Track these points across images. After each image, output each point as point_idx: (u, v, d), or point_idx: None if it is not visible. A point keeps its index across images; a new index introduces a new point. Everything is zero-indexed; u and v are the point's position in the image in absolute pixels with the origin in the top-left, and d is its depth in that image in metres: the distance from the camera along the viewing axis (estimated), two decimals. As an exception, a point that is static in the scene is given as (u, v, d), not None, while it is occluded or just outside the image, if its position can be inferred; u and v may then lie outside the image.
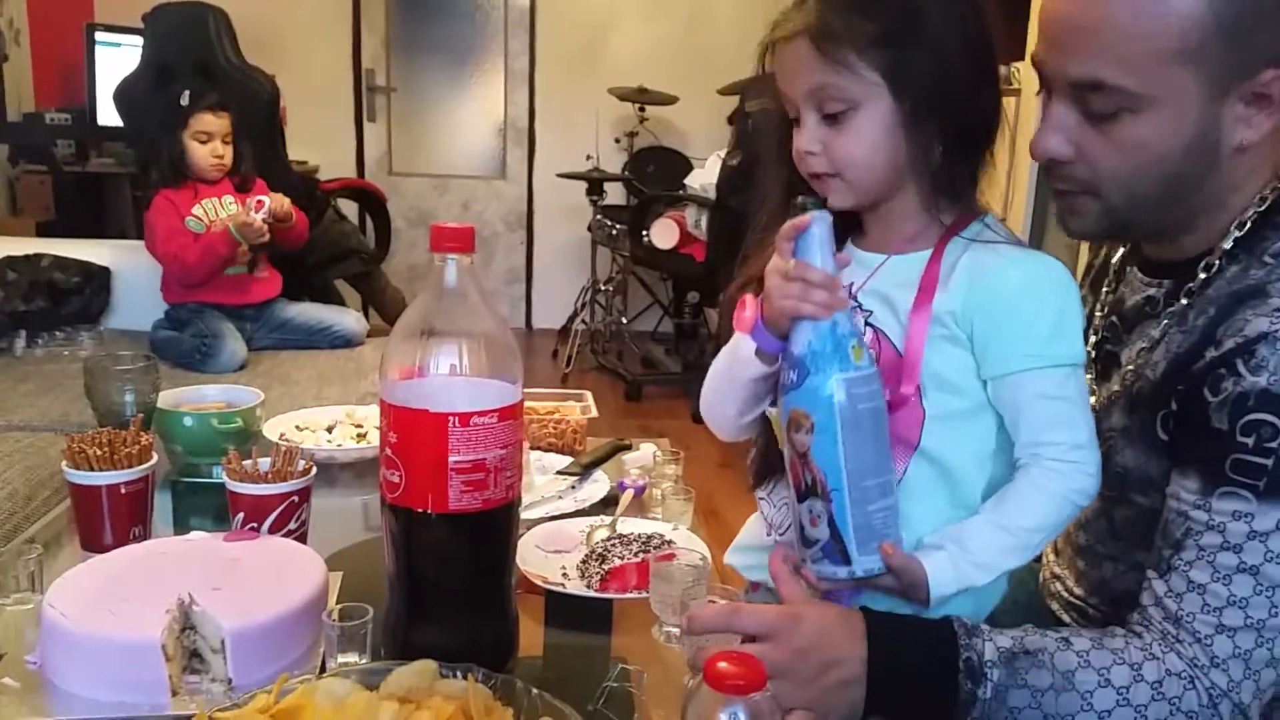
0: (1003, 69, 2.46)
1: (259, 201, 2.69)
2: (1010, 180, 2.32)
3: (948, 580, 0.88)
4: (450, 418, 0.82)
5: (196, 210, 2.71)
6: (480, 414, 0.83)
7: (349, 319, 2.99)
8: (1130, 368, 0.98)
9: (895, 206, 0.97)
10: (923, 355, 0.92)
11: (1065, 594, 1.13)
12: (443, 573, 0.88)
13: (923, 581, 0.87)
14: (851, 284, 0.97)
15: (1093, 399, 1.01)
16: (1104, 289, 1.10)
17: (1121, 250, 1.10)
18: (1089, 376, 1.04)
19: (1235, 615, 0.82)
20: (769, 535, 1.03)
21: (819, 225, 0.87)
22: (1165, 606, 0.86)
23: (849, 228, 1.01)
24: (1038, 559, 1.21)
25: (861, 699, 0.84)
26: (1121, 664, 0.85)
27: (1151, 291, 1.00)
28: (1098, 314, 1.09)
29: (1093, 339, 1.06)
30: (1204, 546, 0.84)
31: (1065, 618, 1.13)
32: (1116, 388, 0.99)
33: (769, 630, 0.84)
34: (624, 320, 4.87)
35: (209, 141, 2.70)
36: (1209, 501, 0.84)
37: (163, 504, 1.30)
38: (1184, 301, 0.94)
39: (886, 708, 0.85)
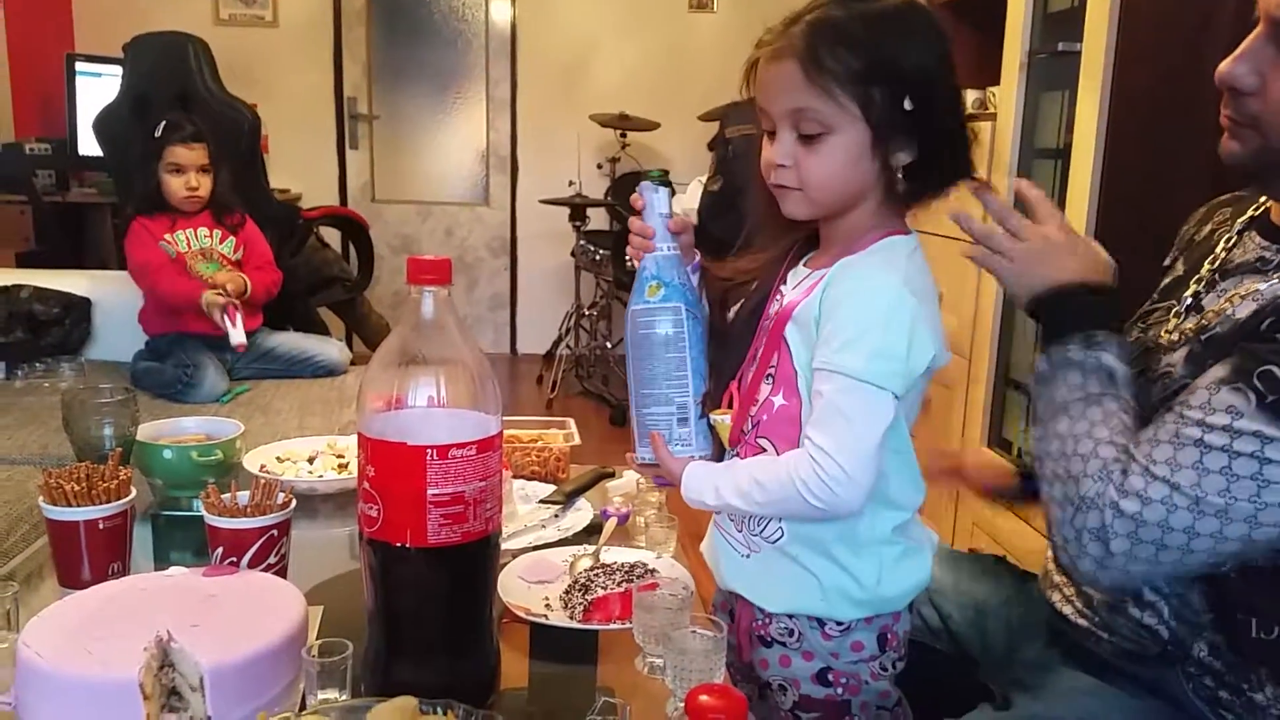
0: (977, 94, 2.49)
1: (231, 307, 2.63)
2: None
3: (692, 486, 1.05)
4: (428, 450, 0.82)
5: (169, 236, 2.71)
6: (458, 446, 0.83)
7: (331, 349, 2.98)
8: (1213, 310, 1.02)
9: (846, 221, 1.05)
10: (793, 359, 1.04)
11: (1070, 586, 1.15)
12: (422, 607, 0.87)
13: (677, 477, 1.06)
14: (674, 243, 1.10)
15: (1156, 335, 1.10)
16: (1213, 252, 1.10)
17: (1240, 222, 1.10)
18: (1177, 320, 1.09)
19: (1163, 471, 0.90)
20: None
21: (647, 193, 1.10)
22: (1136, 438, 0.94)
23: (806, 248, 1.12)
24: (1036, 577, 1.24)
25: (1030, 294, 1.05)
26: (1103, 425, 0.96)
27: (1266, 254, 1.02)
28: (1195, 274, 1.11)
29: (1188, 297, 1.09)
30: (1185, 416, 0.90)
31: (1066, 611, 1.13)
32: (1190, 331, 1.03)
33: (1047, 214, 1.06)
34: (609, 345, 4.87)
35: (182, 174, 2.69)
36: (1219, 389, 0.89)
37: (143, 537, 1.29)
38: None
39: (1041, 306, 1.05)
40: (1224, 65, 0.96)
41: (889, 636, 1.07)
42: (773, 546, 1.07)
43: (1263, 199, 1.08)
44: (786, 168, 1.02)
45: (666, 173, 1.21)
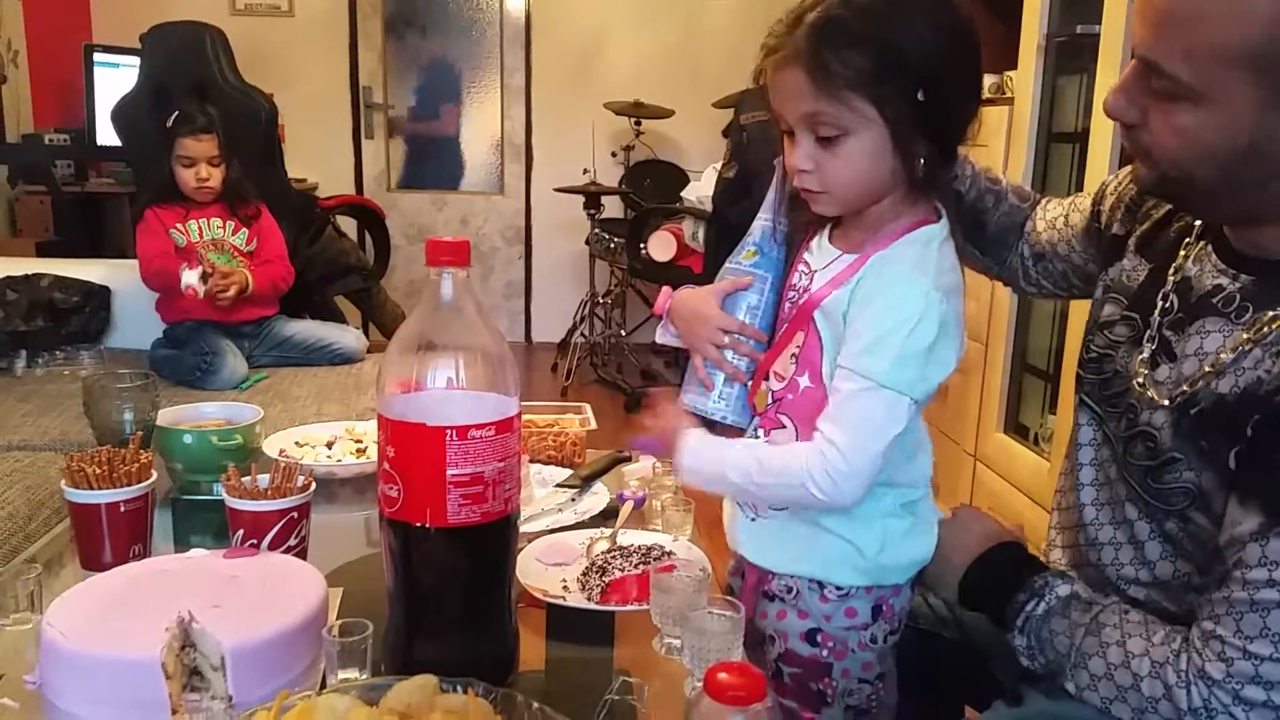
0: (994, 78, 2.47)
1: (193, 260, 2.64)
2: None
3: (690, 454, 1.08)
4: (448, 431, 0.82)
5: (180, 225, 2.72)
6: (478, 427, 0.83)
7: (348, 336, 2.99)
8: (1193, 377, 0.93)
9: (875, 211, 1.04)
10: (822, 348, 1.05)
11: None
12: (442, 586, 0.88)
13: (674, 443, 1.09)
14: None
15: (1130, 365, 1.02)
16: (1170, 258, 1.03)
17: (1194, 232, 1.02)
18: (1132, 348, 1.03)
19: (1263, 646, 0.83)
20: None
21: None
22: (1202, 626, 0.88)
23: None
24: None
25: (956, 581, 1.07)
26: (1143, 640, 0.91)
27: (1224, 282, 0.95)
28: (1157, 284, 1.03)
29: (1160, 305, 1.01)
30: (1250, 581, 0.84)
31: None
32: (1167, 397, 0.95)
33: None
34: (623, 333, 4.87)
35: (192, 165, 2.70)
36: (1267, 539, 0.83)
37: (163, 522, 1.30)
38: (1271, 315, 0.89)
39: (969, 591, 1.07)
40: (1108, 98, 0.93)
41: (884, 608, 1.09)
42: (768, 515, 1.11)
43: None
44: (809, 172, 1.01)
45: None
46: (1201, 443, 0.91)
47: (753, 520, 1.12)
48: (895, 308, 0.98)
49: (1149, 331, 1.01)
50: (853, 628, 1.09)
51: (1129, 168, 1.10)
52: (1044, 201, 1.27)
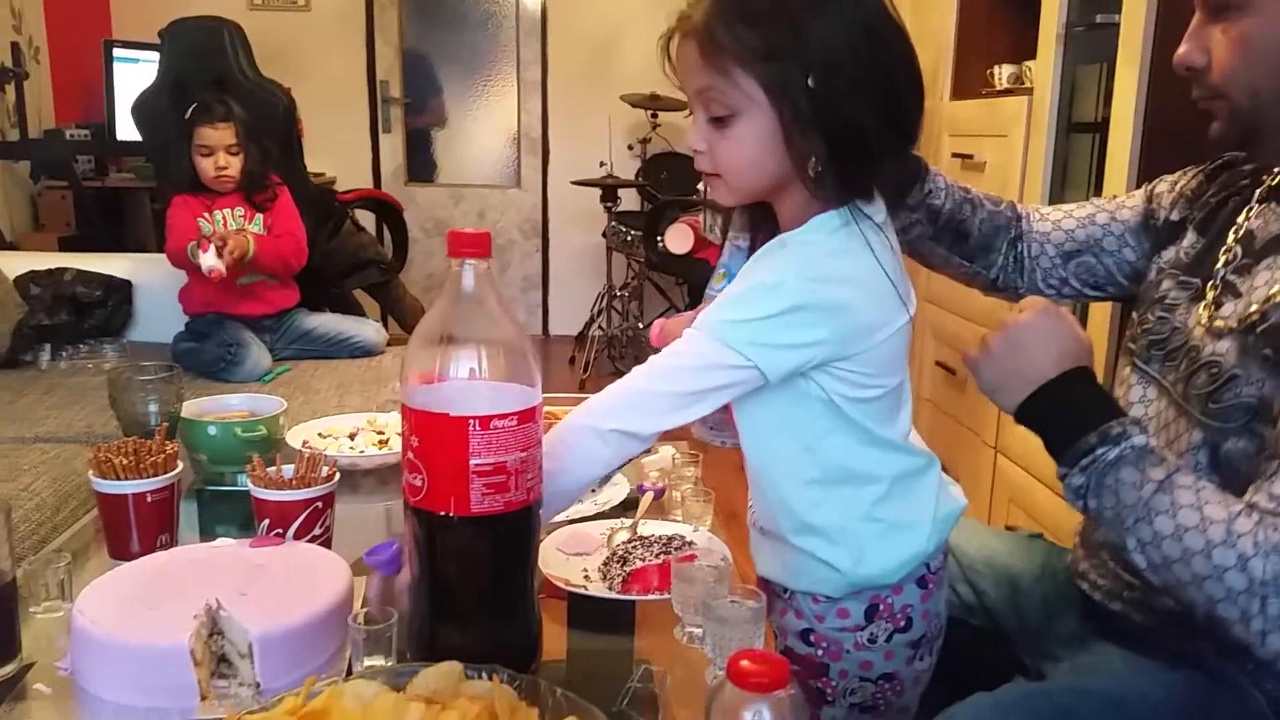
0: (1013, 68, 2.46)
1: (204, 241, 2.62)
2: (1024, 180, 2.31)
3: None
4: (470, 421, 0.83)
5: (205, 215, 2.73)
6: (500, 417, 0.84)
7: (368, 329, 3.01)
8: (1254, 296, 1.00)
9: (783, 205, 1.01)
10: None
11: (1096, 573, 1.14)
12: (466, 575, 0.88)
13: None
14: None
15: (1189, 318, 1.07)
16: (1229, 225, 1.09)
17: (1256, 193, 1.09)
18: (1191, 303, 1.09)
19: None
20: None
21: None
22: (1272, 492, 0.87)
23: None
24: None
25: (1019, 398, 0.99)
26: (1221, 506, 0.88)
27: None
28: (1210, 243, 1.10)
29: (1203, 273, 1.09)
30: None
31: (1096, 596, 1.13)
32: (1233, 322, 1.01)
33: (1029, 302, 1.02)
34: (640, 325, 4.88)
35: (210, 154, 2.71)
36: None
37: (188, 512, 1.32)
38: None
39: (1030, 413, 0.99)
40: (1177, 54, 1.02)
41: (881, 608, 1.06)
42: (755, 531, 1.11)
43: (1276, 170, 1.07)
44: (703, 153, 0.99)
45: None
46: (1265, 351, 0.96)
47: (755, 529, 1.12)
48: (752, 278, 0.96)
49: (1212, 282, 1.07)
50: (845, 629, 1.06)
51: (1185, 170, 1.19)
52: (1030, 206, 1.32)
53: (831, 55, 0.91)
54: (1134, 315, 1.18)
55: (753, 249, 1.07)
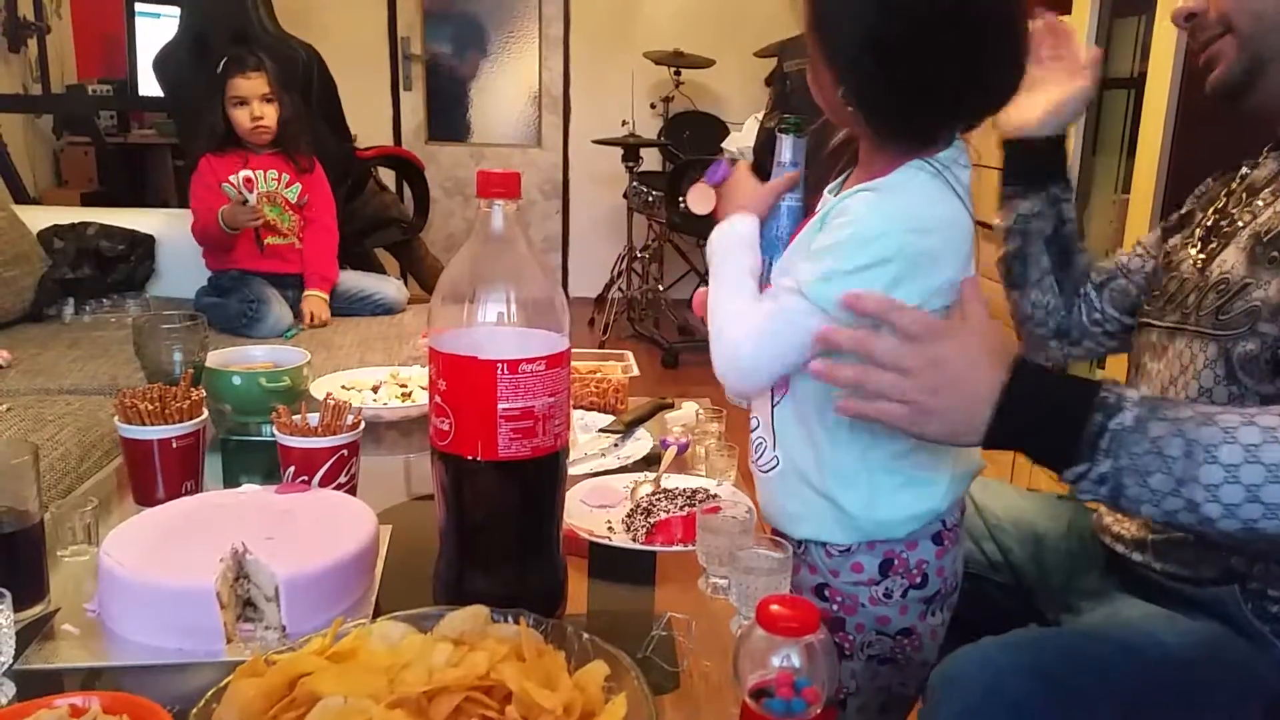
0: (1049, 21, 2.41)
1: (247, 179, 2.68)
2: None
3: (725, 226, 1.12)
4: (499, 365, 0.82)
5: (233, 177, 2.72)
6: (528, 361, 0.83)
7: (389, 287, 3.01)
8: (1260, 218, 1.02)
9: (864, 151, 1.03)
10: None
11: (1120, 525, 1.14)
12: (493, 520, 0.88)
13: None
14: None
15: (1194, 260, 1.09)
16: (1238, 180, 1.12)
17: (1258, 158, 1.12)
18: (1194, 249, 1.10)
19: None
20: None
21: (777, 139, 1.12)
22: None
23: None
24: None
25: (984, 425, 0.87)
26: (1270, 414, 0.82)
27: None
28: (1214, 206, 1.13)
29: (1206, 224, 1.12)
30: None
31: (1119, 549, 1.12)
32: (1239, 243, 1.03)
33: (920, 332, 0.88)
34: (660, 288, 4.86)
35: (246, 105, 2.69)
36: None
37: (212, 463, 1.31)
38: None
39: (1008, 433, 0.87)
40: (1174, 10, 1.06)
41: (895, 562, 1.05)
42: (765, 475, 1.10)
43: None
44: (811, 86, 1.03)
45: (800, 122, 1.17)
46: (1273, 253, 0.98)
47: (764, 473, 1.11)
48: (847, 230, 0.95)
49: (1199, 223, 1.12)
50: (860, 583, 1.06)
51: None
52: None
53: (868, 14, 0.91)
54: (1147, 298, 1.19)
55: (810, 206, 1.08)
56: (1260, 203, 1.04)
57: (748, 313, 1.02)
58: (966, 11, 0.91)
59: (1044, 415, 0.88)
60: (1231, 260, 1.03)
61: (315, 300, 2.77)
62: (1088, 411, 0.85)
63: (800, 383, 1.04)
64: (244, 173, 2.69)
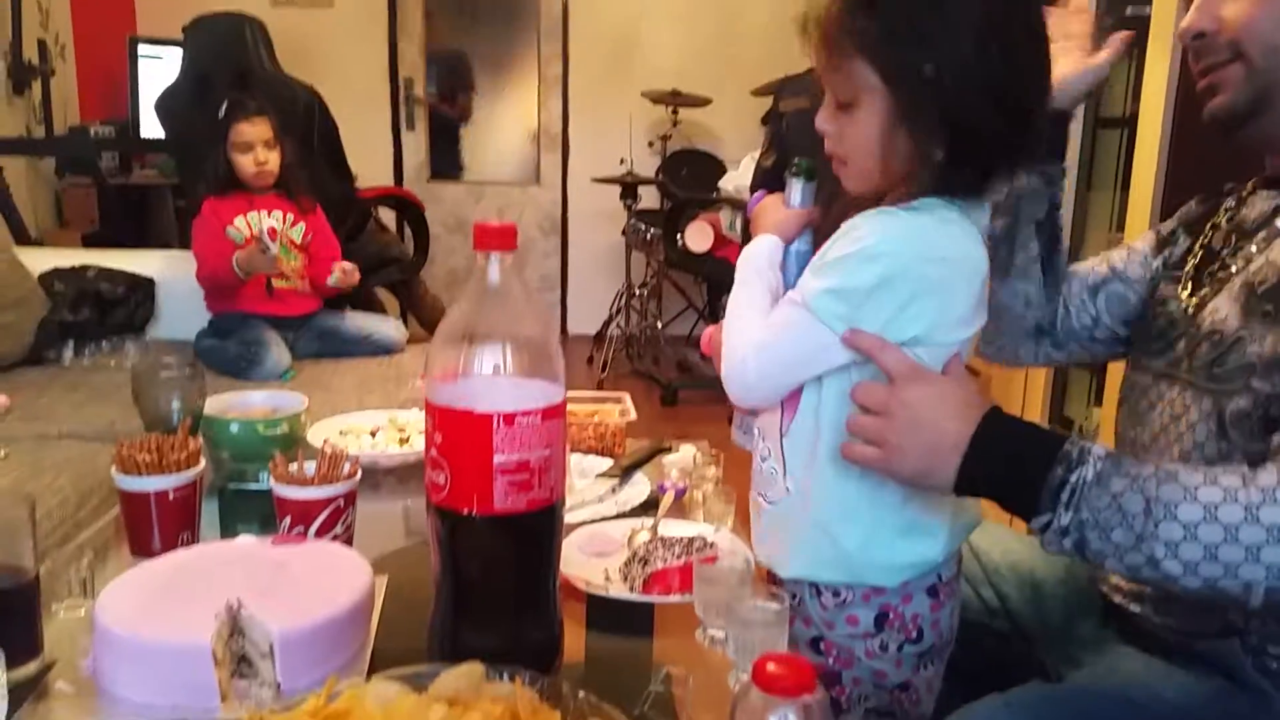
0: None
1: (271, 229, 2.74)
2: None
3: (755, 245, 1.11)
4: (495, 417, 0.82)
5: (239, 221, 2.73)
6: (524, 413, 0.83)
7: (389, 327, 3.01)
8: (1252, 266, 1.00)
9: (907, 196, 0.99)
10: None
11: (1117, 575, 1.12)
12: (489, 573, 0.88)
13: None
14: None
15: (1194, 309, 1.06)
16: (1208, 223, 1.11)
17: (1241, 191, 1.10)
18: (1184, 291, 1.09)
19: None
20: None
21: (788, 182, 1.12)
22: None
23: None
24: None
25: (952, 470, 0.89)
26: (1234, 474, 0.83)
27: (1278, 202, 1.03)
28: (1200, 239, 1.12)
29: (1191, 262, 1.10)
30: None
31: (1116, 599, 1.11)
32: (1231, 291, 1.01)
33: (901, 373, 0.91)
34: (659, 325, 4.87)
35: (250, 150, 2.72)
36: None
37: (209, 511, 1.31)
38: None
39: (974, 480, 0.90)
40: (1182, 25, 1.01)
41: (891, 615, 1.04)
42: (772, 508, 1.09)
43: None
44: (830, 134, 1.01)
45: (811, 166, 1.19)
46: (1267, 308, 0.95)
47: (772, 505, 1.10)
48: (850, 244, 0.95)
49: (1190, 265, 1.10)
50: (856, 636, 1.05)
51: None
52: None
53: (953, 47, 0.91)
54: (1139, 325, 1.18)
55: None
56: (1253, 248, 1.02)
57: (755, 325, 1.03)
58: (1025, 48, 0.95)
59: (1008, 466, 0.89)
60: (1225, 310, 1.01)
61: (339, 267, 2.79)
62: (1050, 464, 0.86)
63: (808, 410, 1.03)
64: (268, 223, 2.72)
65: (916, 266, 0.94)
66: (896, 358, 0.92)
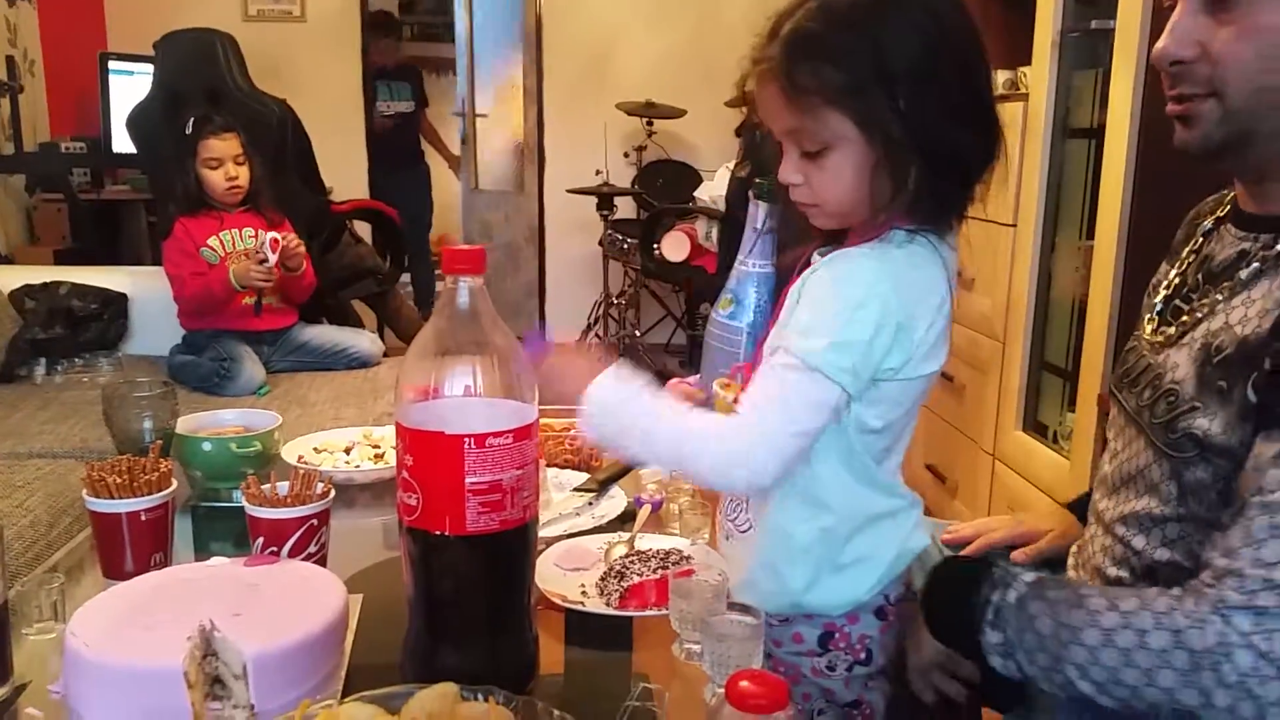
0: (1008, 74, 2.46)
1: (274, 240, 2.65)
2: (1020, 186, 2.31)
3: (597, 397, 0.99)
4: (466, 439, 0.82)
5: (212, 241, 2.72)
6: (496, 434, 0.83)
7: (364, 340, 3.00)
8: (1214, 323, 0.94)
9: (865, 225, 1.00)
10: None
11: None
12: (462, 594, 0.88)
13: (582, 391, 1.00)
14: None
15: (1156, 348, 1.02)
16: (1185, 250, 1.06)
17: (1212, 218, 1.05)
18: (1159, 330, 1.03)
19: None
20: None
21: (750, 204, 1.12)
22: (1214, 565, 0.83)
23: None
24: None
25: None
26: (1136, 598, 0.85)
27: (1245, 245, 0.96)
28: (1172, 273, 1.07)
29: (1163, 294, 1.05)
30: (1270, 504, 0.80)
31: None
32: (1191, 348, 0.95)
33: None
34: (637, 333, 4.87)
35: (220, 166, 2.71)
36: None
37: (183, 529, 1.30)
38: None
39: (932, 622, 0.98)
40: (1157, 47, 0.93)
41: (837, 636, 1.05)
42: (742, 536, 1.10)
43: (1231, 194, 1.03)
44: (800, 186, 0.99)
45: (771, 186, 1.19)
46: (1221, 383, 0.90)
47: (726, 539, 1.12)
48: (838, 295, 0.95)
49: (1157, 300, 1.05)
50: (801, 654, 1.06)
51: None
52: None
53: (915, 71, 0.91)
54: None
55: (802, 266, 1.05)
56: (1219, 297, 0.95)
57: (723, 423, 0.98)
58: (971, 48, 0.96)
59: (948, 594, 0.96)
60: (1183, 369, 0.95)
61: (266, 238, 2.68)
62: (979, 585, 0.92)
63: None
64: (270, 235, 2.68)
65: (896, 303, 0.94)
66: None
